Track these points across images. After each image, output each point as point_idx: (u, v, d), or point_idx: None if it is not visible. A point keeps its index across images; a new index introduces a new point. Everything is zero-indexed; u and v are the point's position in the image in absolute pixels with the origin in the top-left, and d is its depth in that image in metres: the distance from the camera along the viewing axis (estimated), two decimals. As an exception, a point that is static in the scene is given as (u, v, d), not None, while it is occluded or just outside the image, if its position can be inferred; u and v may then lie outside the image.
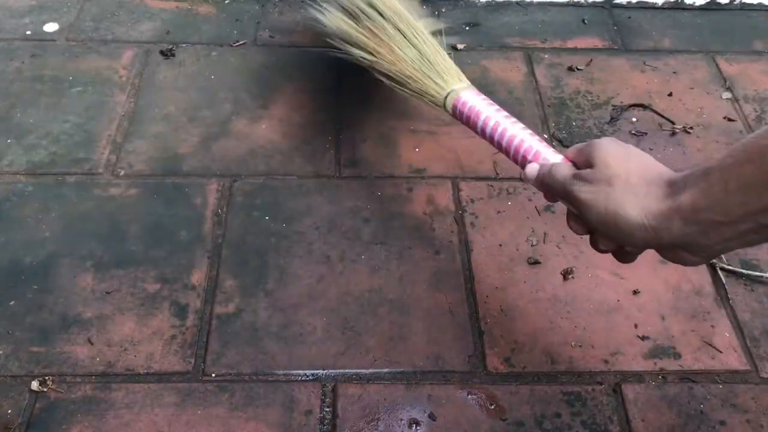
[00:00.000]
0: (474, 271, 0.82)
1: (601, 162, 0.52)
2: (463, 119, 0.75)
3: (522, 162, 0.66)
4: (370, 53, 0.86)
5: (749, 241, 0.47)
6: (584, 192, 0.52)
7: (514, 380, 0.73)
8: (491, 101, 0.74)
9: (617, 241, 0.53)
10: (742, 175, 0.43)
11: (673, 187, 0.48)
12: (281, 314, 0.77)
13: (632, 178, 0.50)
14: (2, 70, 1.04)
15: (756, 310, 0.80)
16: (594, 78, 1.09)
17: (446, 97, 0.77)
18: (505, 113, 0.71)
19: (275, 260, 0.82)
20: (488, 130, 0.71)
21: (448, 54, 0.83)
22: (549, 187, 0.59)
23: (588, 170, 0.53)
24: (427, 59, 0.80)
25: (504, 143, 0.68)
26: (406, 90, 0.83)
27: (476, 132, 0.73)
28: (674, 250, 0.50)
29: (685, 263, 0.51)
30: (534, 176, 0.61)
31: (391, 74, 0.84)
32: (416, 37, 0.83)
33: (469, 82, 0.78)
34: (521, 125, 0.69)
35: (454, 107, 0.76)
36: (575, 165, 0.58)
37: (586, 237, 0.57)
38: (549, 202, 0.73)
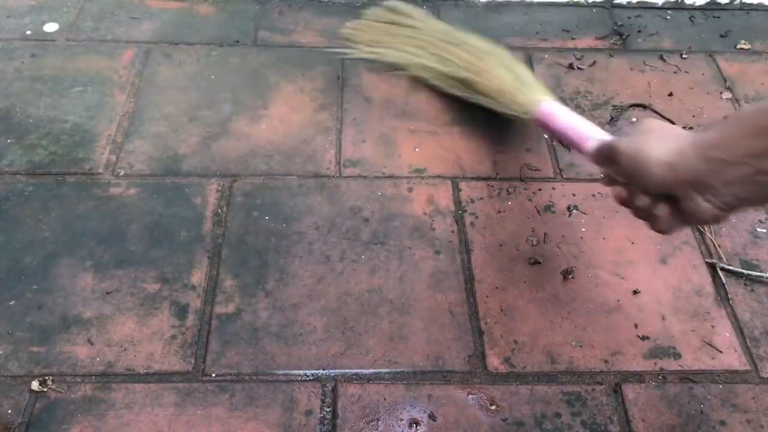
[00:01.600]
0: (474, 271, 0.82)
1: (645, 123, 0.60)
2: (544, 125, 0.87)
3: (582, 143, 0.77)
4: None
5: (750, 193, 0.51)
6: (623, 141, 0.60)
7: (514, 380, 0.73)
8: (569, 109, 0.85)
9: (640, 181, 0.59)
10: (755, 122, 0.49)
11: (698, 134, 0.54)
12: (281, 314, 0.77)
13: (666, 131, 0.58)
14: (2, 70, 1.04)
15: (756, 310, 0.80)
16: (594, 78, 1.09)
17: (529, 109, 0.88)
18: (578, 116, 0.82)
19: (275, 260, 0.82)
20: (558, 129, 0.83)
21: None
22: (601, 153, 0.67)
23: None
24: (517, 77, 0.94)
25: (570, 134, 0.80)
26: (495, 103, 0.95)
27: (553, 135, 0.86)
28: (688, 192, 0.54)
29: (699, 216, 0.55)
30: (594, 147, 0.72)
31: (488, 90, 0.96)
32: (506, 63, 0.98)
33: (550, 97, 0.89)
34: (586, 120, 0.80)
35: (536, 117, 0.87)
36: None
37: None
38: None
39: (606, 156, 0.64)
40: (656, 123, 0.59)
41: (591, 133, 0.76)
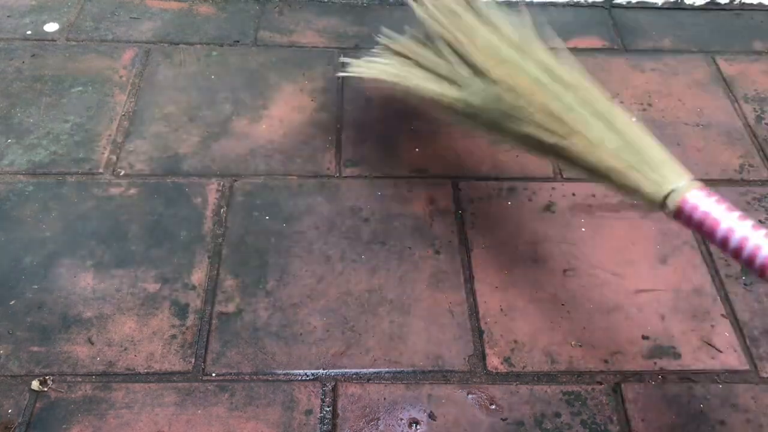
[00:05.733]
0: (474, 271, 0.82)
1: None
2: (693, 226, 0.63)
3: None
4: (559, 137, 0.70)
5: None
6: None
7: (514, 380, 0.73)
8: (723, 201, 0.62)
9: None
10: None
11: None
12: (281, 314, 0.77)
13: None
14: (2, 70, 1.04)
15: (756, 310, 0.80)
16: (594, 78, 1.09)
17: (666, 198, 0.63)
18: (742, 216, 0.61)
19: (275, 260, 0.82)
20: (732, 245, 0.60)
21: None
22: None
23: None
24: (634, 147, 0.66)
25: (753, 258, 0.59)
26: (606, 181, 0.69)
27: (711, 241, 0.63)
28: None
29: None
30: None
31: (584, 163, 0.69)
32: (615, 118, 0.69)
33: (690, 177, 0.65)
34: (763, 231, 0.60)
35: (680, 210, 0.63)
36: None
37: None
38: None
39: None
40: None
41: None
